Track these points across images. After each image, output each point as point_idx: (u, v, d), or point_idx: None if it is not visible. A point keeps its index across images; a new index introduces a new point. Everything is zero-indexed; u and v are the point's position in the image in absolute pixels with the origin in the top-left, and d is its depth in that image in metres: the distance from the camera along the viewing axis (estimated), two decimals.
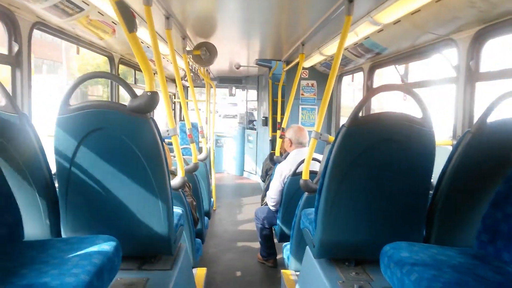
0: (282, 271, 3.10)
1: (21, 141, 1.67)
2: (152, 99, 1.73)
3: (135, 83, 4.97)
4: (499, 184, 1.49)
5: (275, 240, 3.77)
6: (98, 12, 2.53)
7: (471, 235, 1.62)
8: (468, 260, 1.41)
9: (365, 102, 1.93)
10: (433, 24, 2.44)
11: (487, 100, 1.80)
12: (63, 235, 1.84)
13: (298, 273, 2.84)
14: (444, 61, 2.64)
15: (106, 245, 1.44)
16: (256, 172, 8.50)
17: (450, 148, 1.94)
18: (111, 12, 2.46)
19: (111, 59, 3.82)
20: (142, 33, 3.10)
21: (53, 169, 1.79)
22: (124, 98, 5.63)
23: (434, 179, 1.93)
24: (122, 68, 4.21)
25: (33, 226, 1.77)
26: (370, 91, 1.99)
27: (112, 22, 2.84)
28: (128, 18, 1.81)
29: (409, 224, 1.91)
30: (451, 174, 1.80)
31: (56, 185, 1.81)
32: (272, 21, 3.28)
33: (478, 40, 2.30)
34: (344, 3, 2.31)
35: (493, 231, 1.47)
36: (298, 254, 2.81)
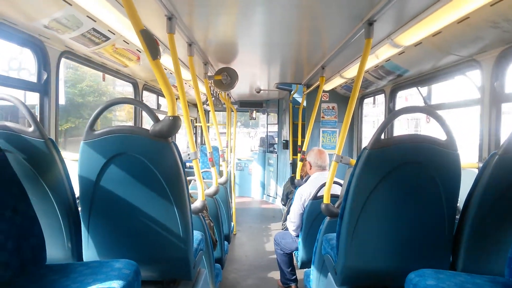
0: None
1: (47, 166, 1.72)
2: (173, 124, 1.76)
3: (157, 108, 5.09)
4: None
5: (296, 266, 3.68)
6: (124, 40, 2.63)
7: (502, 263, 1.53)
8: None
9: (387, 124, 1.90)
10: (455, 46, 2.40)
11: None
12: (84, 258, 1.86)
13: None
14: (468, 82, 2.59)
15: (126, 270, 1.44)
16: (276, 196, 8.41)
17: (476, 171, 1.86)
18: (136, 40, 2.55)
19: (135, 85, 3.95)
20: (165, 60, 3.20)
21: (77, 193, 1.83)
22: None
23: (460, 203, 1.85)
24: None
25: (55, 249, 1.80)
26: (392, 113, 1.95)
27: (137, 50, 2.94)
28: (152, 46, 1.86)
29: (435, 250, 1.83)
30: (478, 198, 1.71)
31: (79, 208, 1.84)
32: (293, 45, 3.32)
33: (502, 60, 2.25)
34: (364, 26, 2.33)
35: None
36: (320, 281, 2.73)
